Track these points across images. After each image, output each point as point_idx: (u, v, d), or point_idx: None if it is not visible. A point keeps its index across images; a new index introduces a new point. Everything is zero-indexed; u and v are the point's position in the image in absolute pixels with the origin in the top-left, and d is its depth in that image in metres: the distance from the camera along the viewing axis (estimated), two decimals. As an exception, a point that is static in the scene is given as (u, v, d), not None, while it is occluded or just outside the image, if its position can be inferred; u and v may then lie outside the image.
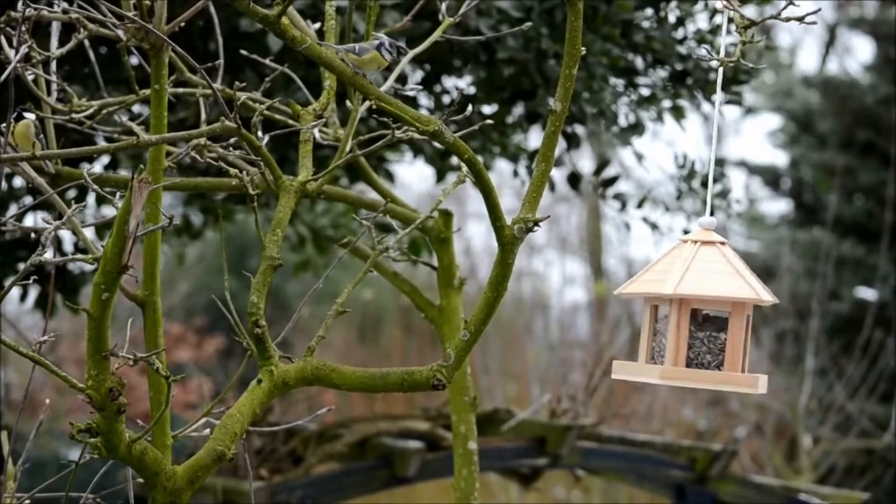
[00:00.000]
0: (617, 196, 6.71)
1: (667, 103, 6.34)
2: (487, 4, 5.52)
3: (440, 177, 6.69)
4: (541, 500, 11.05)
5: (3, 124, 2.76)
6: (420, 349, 14.37)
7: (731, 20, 2.94)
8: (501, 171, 13.54)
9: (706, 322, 2.93)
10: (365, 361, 14.13)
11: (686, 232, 6.99)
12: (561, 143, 6.43)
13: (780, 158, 16.73)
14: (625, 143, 6.36)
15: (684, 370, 2.90)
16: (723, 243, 2.97)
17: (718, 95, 3.11)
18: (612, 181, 6.76)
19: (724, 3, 2.89)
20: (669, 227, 6.88)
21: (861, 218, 14.78)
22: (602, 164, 6.94)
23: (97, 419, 2.49)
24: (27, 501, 2.82)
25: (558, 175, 6.83)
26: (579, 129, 6.35)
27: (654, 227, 6.74)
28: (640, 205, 6.71)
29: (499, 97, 6.01)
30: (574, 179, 6.72)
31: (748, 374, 2.92)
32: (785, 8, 2.83)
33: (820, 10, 2.86)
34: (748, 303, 2.89)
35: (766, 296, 2.88)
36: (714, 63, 2.94)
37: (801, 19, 2.85)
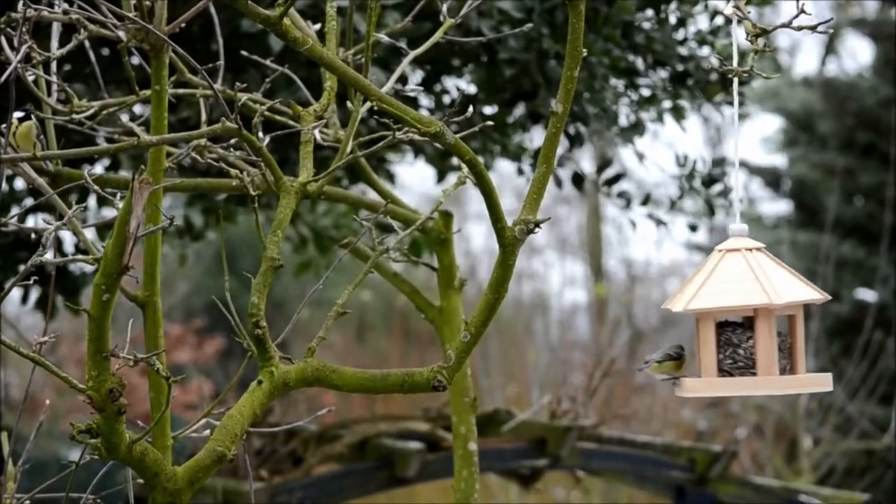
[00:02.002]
0: (621, 194, 6.72)
1: (667, 104, 6.34)
2: (489, 5, 5.52)
3: (441, 177, 6.69)
4: (541, 501, 11.05)
5: (4, 125, 2.76)
6: (419, 351, 14.38)
7: (739, 23, 2.93)
8: (502, 172, 13.56)
9: (735, 330, 2.93)
10: (364, 363, 14.13)
11: (693, 228, 7.02)
12: (564, 143, 6.44)
13: (780, 160, 16.73)
14: (626, 141, 6.36)
15: (791, 378, 2.89)
16: (750, 249, 2.95)
17: (735, 104, 3.08)
18: (616, 179, 6.76)
19: (735, 10, 2.88)
20: (672, 221, 6.89)
21: (861, 219, 14.78)
22: (604, 163, 6.94)
23: (97, 420, 2.49)
24: (27, 502, 2.82)
25: (561, 175, 6.83)
26: (582, 129, 6.35)
27: (659, 222, 6.75)
28: (644, 202, 6.71)
29: (500, 98, 6.01)
30: (578, 179, 6.72)
31: (786, 376, 2.93)
32: (796, 16, 2.82)
33: (832, 20, 2.85)
34: (767, 307, 2.89)
35: (779, 297, 2.88)
36: (727, 72, 2.93)
37: (813, 28, 2.83)
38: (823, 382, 2.92)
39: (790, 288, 2.87)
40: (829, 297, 2.92)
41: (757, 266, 2.90)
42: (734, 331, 2.92)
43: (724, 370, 2.91)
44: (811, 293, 2.89)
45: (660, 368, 3.06)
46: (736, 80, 2.97)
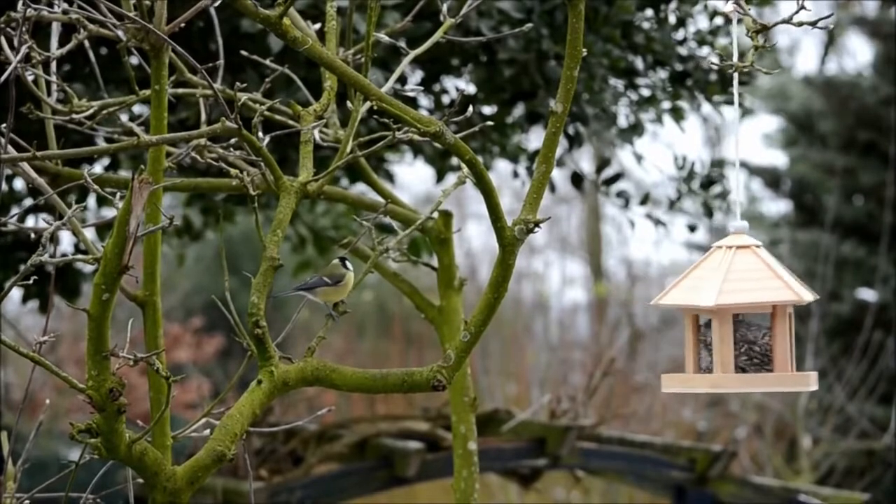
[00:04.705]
0: (620, 194, 6.71)
1: (666, 104, 6.34)
2: (488, 5, 5.52)
3: (440, 177, 6.69)
4: (540, 501, 11.05)
5: (3, 125, 2.76)
6: (418, 351, 14.37)
7: (740, 21, 2.93)
8: (501, 172, 13.57)
9: (750, 326, 2.92)
10: (364, 363, 14.12)
11: (692, 229, 7.02)
12: (563, 144, 6.43)
13: (779, 159, 16.73)
14: (626, 142, 6.36)
15: (734, 376, 2.89)
16: (758, 246, 2.95)
17: (736, 101, 3.09)
18: (615, 179, 6.76)
19: (735, 7, 2.88)
20: (671, 221, 6.89)
21: (861, 219, 14.78)
22: (603, 163, 6.94)
23: (97, 419, 2.49)
24: (27, 502, 2.82)
25: (559, 176, 6.83)
26: (581, 129, 6.34)
27: (657, 222, 6.74)
28: (643, 202, 6.71)
29: (499, 98, 6.02)
30: (577, 179, 6.72)
31: (798, 372, 2.92)
32: (796, 13, 2.82)
33: (832, 15, 2.85)
34: (789, 304, 2.88)
35: (806, 295, 2.87)
36: (728, 69, 2.93)
37: (813, 24, 2.83)
38: (811, 381, 2.93)
39: (801, 286, 2.89)
40: (818, 297, 2.93)
41: (771, 264, 2.90)
42: (750, 328, 2.92)
43: (740, 367, 2.91)
44: (809, 293, 2.90)
45: (322, 295, 3.05)
46: (736, 75, 2.97)
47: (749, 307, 2.89)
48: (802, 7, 2.83)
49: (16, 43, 2.78)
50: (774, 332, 2.89)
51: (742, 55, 2.93)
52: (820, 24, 2.83)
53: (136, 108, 4.37)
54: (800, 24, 2.85)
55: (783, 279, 2.87)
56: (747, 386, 2.91)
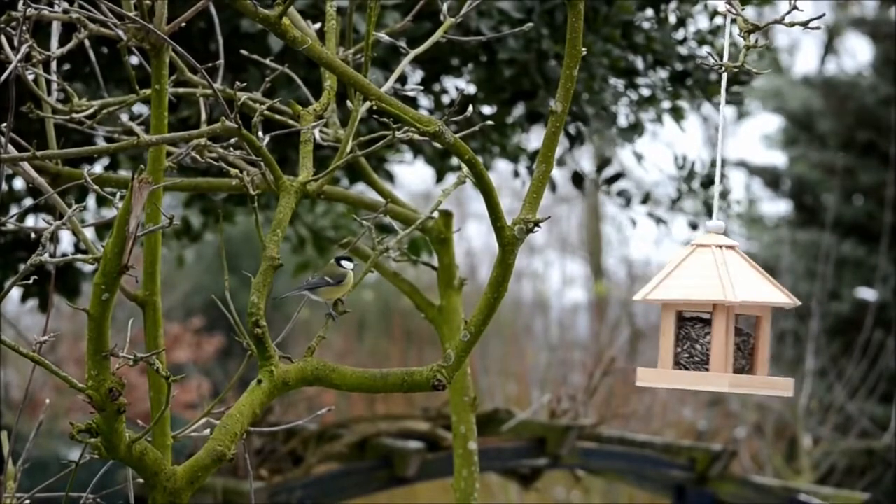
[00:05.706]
0: (621, 193, 6.72)
1: (666, 104, 6.34)
2: (488, 5, 5.52)
3: (440, 177, 6.69)
4: (540, 501, 11.05)
5: (4, 124, 2.76)
6: (418, 351, 14.38)
7: (733, 21, 2.93)
8: (501, 172, 13.57)
9: (695, 325, 2.93)
10: (364, 362, 14.12)
11: (694, 227, 7.02)
12: (564, 143, 6.43)
13: (779, 159, 16.75)
14: (626, 141, 6.36)
15: (669, 372, 2.91)
16: (720, 246, 2.96)
17: (722, 100, 3.10)
18: (615, 178, 6.76)
19: (728, 6, 2.89)
20: (672, 220, 6.90)
21: (861, 218, 14.79)
22: (603, 162, 6.94)
23: (97, 419, 2.49)
24: (27, 502, 2.82)
25: (560, 175, 6.83)
26: (583, 128, 6.34)
27: (659, 220, 6.75)
28: (644, 201, 6.72)
29: (499, 98, 6.01)
30: (577, 179, 6.73)
31: (733, 374, 2.92)
32: (789, 13, 2.83)
33: (824, 15, 2.85)
34: (732, 306, 2.88)
35: (735, 296, 2.85)
36: (719, 68, 2.93)
37: (804, 24, 2.84)
38: (783, 386, 2.92)
39: (752, 288, 2.87)
40: (798, 303, 2.92)
41: (722, 263, 2.90)
42: (694, 326, 2.93)
43: (680, 363, 2.92)
44: (776, 296, 2.89)
45: (324, 294, 3.06)
46: (725, 75, 2.98)
47: (684, 304, 2.90)
48: (795, 7, 2.83)
49: (16, 42, 2.78)
50: (713, 332, 2.89)
51: (737, 55, 2.94)
52: (811, 24, 2.83)
53: (137, 108, 4.37)
54: (791, 25, 2.85)
55: (722, 280, 2.87)
56: (676, 383, 2.92)
